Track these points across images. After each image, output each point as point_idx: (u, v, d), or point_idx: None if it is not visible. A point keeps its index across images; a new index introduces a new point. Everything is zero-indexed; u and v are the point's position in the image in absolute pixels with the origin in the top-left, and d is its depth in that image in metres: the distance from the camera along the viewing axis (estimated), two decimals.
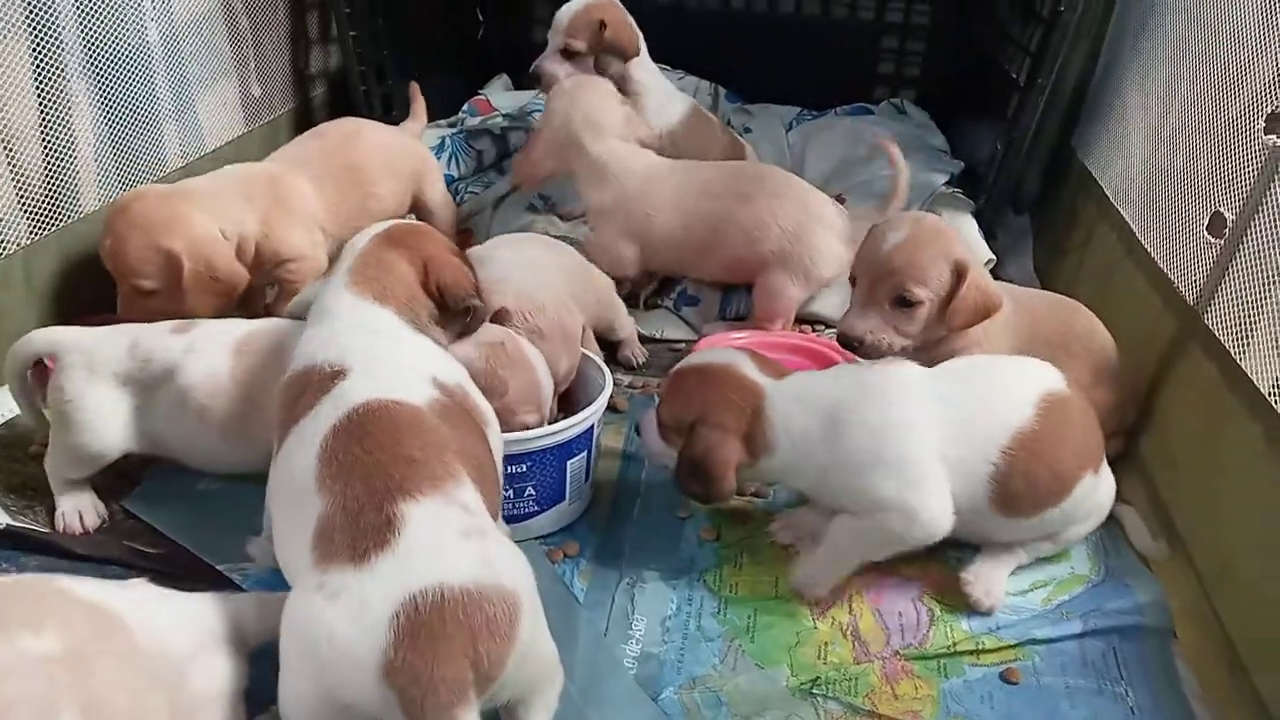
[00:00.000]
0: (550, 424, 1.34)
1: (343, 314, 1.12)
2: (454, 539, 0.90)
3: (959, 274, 1.37)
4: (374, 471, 0.93)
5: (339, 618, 0.84)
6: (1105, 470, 1.31)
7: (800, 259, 1.81)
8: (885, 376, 1.27)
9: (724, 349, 1.35)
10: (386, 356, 1.09)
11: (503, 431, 1.27)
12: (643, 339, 1.87)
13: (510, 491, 1.30)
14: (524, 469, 1.31)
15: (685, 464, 1.26)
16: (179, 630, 0.92)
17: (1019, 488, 1.23)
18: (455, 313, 1.20)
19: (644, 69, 2.19)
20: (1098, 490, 1.29)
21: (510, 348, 1.31)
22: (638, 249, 1.86)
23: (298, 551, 0.92)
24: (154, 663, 0.86)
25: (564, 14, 2.14)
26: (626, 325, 1.82)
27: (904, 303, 1.38)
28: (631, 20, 2.18)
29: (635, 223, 1.85)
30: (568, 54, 2.13)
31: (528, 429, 1.31)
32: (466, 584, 0.85)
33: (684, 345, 1.90)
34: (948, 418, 1.22)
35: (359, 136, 1.91)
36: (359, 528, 0.89)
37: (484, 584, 0.86)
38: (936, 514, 1.21)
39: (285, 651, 0.88)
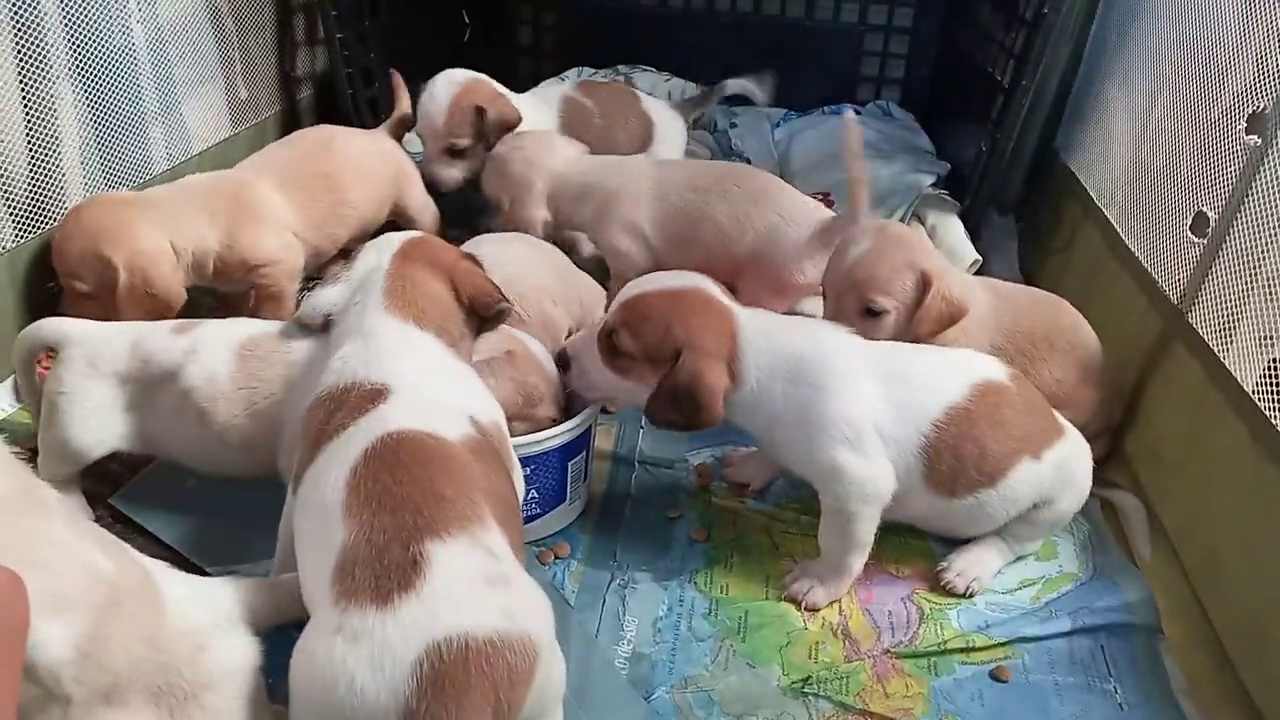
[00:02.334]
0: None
1: (386, 335, 1.11)
2: (479, 586, 0.87)
3: (924, 283, 1.39)
4: (403, 505, 0.90)
5: (359, 664, 0.81)
6: (1059, 454, 1.30)
7: (773, 264, 1.77)
8: (845, 343, 1.28)
9: (676, 273, 1.33)
10: (429, 384, 1.07)
11: (526, 431, 1.29)
12: None
13: None
14: (528, 472, 1.31)
15: (667, 393, 1.24)
16: (199, 607, 0.92)
17: (949, 464, 1.24)
18: (484, 319, 1.20)
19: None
20: (1041, 475, 1.28)
21: (519, 351, 1.32)
22: (641, 241, 1.85)
23: (319, 578, 0.90)
24: (171, 635, 0.87)
25: (434, 114, 2.01)
26: None
27: (870, 313, 1.41)
28: (498, 86, 2.11)
29: (627, 214, 1.84)
30: (455, 152, 2.04)
31: (553, 421, 1.33)
32: (490, 634, 0.83)
33: None
34: (886, 389, 1.24)
35: (330, 144, 1.89)
36: (383, 565, 0.86)
37: (506, 634, 0.84)
38: (872, 475, 1.23)
39: (297, 691, 0.86)
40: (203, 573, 1.25)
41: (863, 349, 1.28)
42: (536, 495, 1.34)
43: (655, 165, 1.91)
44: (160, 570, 0.93)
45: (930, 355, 1.32)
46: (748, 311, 1.29)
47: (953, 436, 1.23)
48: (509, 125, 2.02)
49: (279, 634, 0.97)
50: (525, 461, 1.29)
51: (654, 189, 1.84)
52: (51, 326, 1.33)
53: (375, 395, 1.03)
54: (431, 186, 2.03)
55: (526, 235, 1.81)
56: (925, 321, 1.39)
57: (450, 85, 2.00)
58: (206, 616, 0.92)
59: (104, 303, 1.51)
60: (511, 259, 1.56)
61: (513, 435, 1.28)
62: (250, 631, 0.96)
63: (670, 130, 2.31)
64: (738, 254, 1.79)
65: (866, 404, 1.23)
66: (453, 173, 2.05)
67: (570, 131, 2.12)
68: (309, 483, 0.99)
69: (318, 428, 1.03)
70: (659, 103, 2.36)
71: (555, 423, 1.34)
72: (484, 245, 1.60)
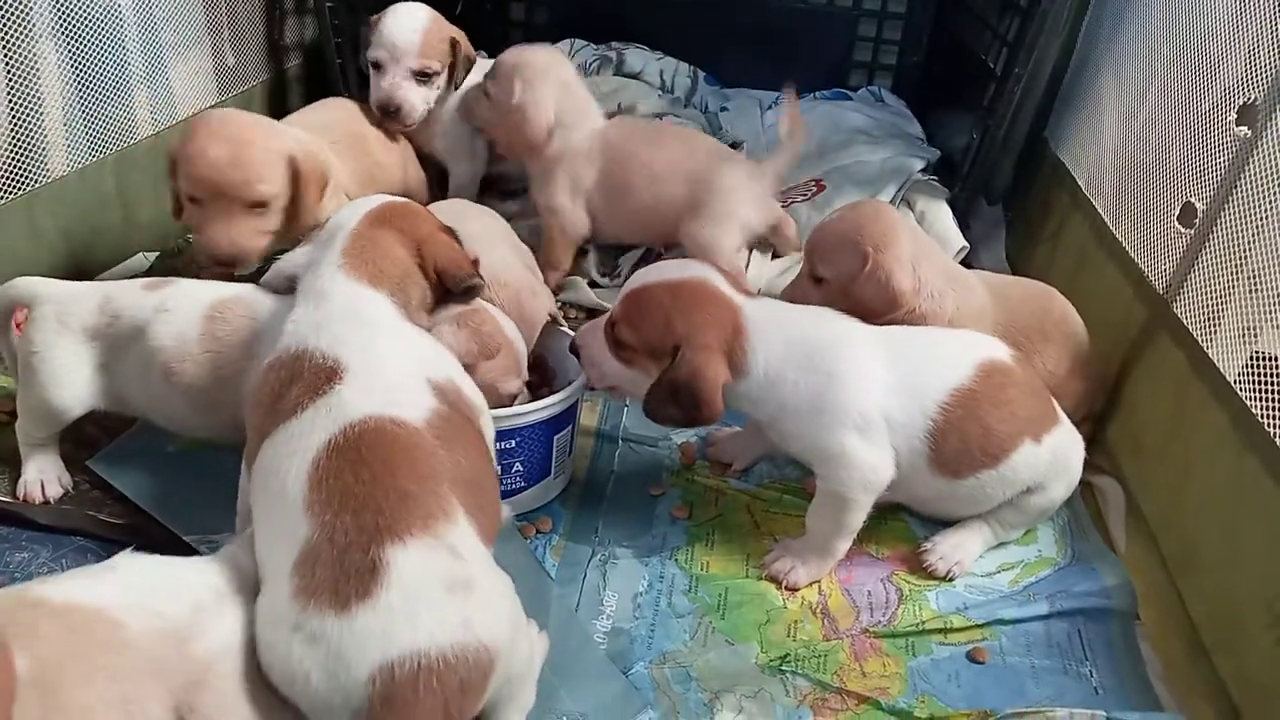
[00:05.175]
0: (533, 398, 1.34)
1: (336, 297, 1.09)
2: (437, 595, 0.87)
3: (864, 261, 1.39)
4: (364, 505, 0.90)
5: (315, 666, 0.84)
6: (1057, 441, 1.31)
7: (713, 202, 1.79)
8: (852, 330, 1.29)
9: (682, 262, 1.32)
10: (383, 356, 1.05)
11: (489, 405, 1.26)
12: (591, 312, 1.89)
13: (499, 468, 1.29)
14: (513, 444, 1.30)
15: (665, 388, 1.23)
16: (172, 599, 0.89)
17: (954, 445, 1.25)
18: (454, 294, 1.17)
19: None
20: (1039, 458, 1.29)
21: (479, 316, 1.30)
22: (584, 206, 1.87)
23: (277, 562, 0.90)
24: (147, 646, 0.84)
25: (409, 35, 1.92)
26: None
27: (816, 279, 1.46)
28: None
29: (573, 170, 1.85)
30: (422, 76, 1.95)
31: (513, 398, 1.31)
32: (444, 650, 0.84)
33: None
34: (894, 373, 1.25)
35: (355, 110, 1.95)
36: (343, 567, 0.86)
37: (462, 646, 0.85)
38: (876, 463, 1.23)
39: (263, 665, 0.88)
40: (180, 542, 1.25)
41: (868, 334, 1.28)
42: (521, 468, 1.34)
43: (605, 123, 1.92)
44: (121, 576, 0.90)
45: (935, 337, 1.33)
46: (754, 302, 1.28)
47: (959, 418, 1.24)
48: (472, 62, 2.03)
49: None
50: (511, 434, 1.29)
51: (600, 145, 1.86)
52: (23, 285, 1.32)
53: (330, 373, 1.01)
54: (388, 113, 1.94)
55: (469, 202, 1.81)
56: (859, 299, 1.40)
57: (420, 12, 1.95)
58: (185, 606, 0.89)
59: (278, 205, 1.55)
60: (485, 240, 1.53)
61: None
62: (241, 600, 0.94)
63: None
64: (673, 200, 1.82)
65: (876, 391, 1.23)
66: (419, 99, 1.94)
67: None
68: (267, 458, 0.98)
69: (272, 397, 1.02)
70: None
71: (514, 398, 1.32)
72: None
